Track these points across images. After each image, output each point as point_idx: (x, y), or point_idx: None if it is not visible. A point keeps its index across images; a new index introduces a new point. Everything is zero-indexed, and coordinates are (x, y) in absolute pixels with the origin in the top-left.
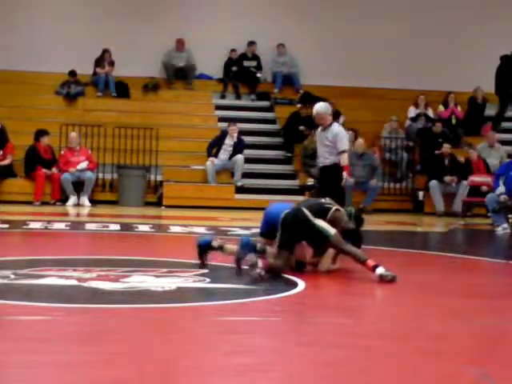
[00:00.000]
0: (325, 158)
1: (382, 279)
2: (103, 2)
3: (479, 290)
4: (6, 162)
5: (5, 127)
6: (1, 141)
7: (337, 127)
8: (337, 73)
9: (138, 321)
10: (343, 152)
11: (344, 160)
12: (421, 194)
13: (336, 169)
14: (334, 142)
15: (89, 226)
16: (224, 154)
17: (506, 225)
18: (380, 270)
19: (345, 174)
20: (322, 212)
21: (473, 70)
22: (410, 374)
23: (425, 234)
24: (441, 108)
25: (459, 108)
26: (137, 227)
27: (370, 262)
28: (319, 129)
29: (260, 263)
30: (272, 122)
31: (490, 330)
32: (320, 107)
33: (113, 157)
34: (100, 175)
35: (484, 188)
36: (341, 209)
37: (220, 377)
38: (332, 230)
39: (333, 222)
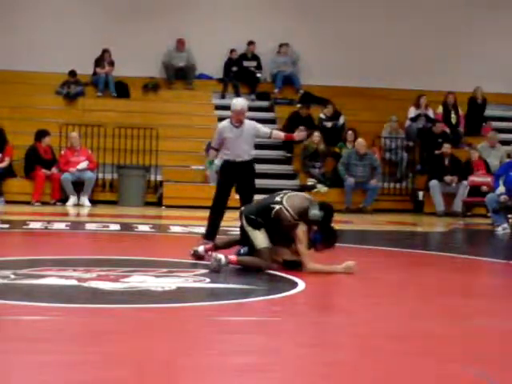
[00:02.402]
0: (247, 154)
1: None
2: (103, 1)
3: (479, 290)
4: (4, 164)
5: (4, 129)
6: (0, 142)
7: (248, 120)
8: (337, 73)
9: (138, 321)
10: (272, 131)
11: (280, 133)
12: (421, 194)
13: (253, 163)
14: (256, 134)
15: (89, 226)
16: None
17: (506, 225)
18: (220, 257)
19: (298, 134)
20: (265, 211)
21: (473, 70)
22: (409, 374)
23: (425, 234)
24: (439, 109)
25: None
26: (137, 227)
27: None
28: (229, 125)
29: (223, 259)
30: (272, 122)
31: (490, 330)
32: (245, 103)
33: (113, 157)
34: (100, 175)
35: (484, 188)
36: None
37: (220, 377)
38: (261, 244)
39: (278, 220)
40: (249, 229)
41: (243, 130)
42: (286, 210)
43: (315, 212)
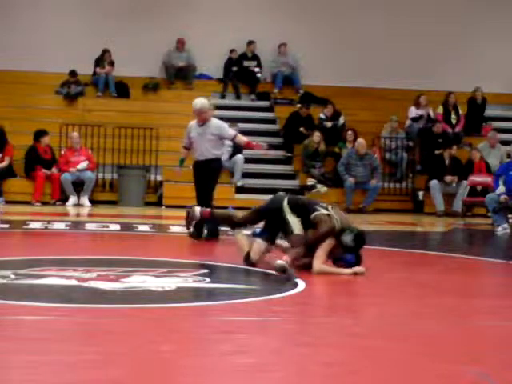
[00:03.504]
0: (209, 153)
1: (276, 270)
2: (103, 2)
3: (479, 290)
4: (4, 164)
5: (4, 129)
6: (0, 142)
7: (216, 120)
8: (337, 73)
9: (138, 321)
10: (236, 134)
11: (243, 138)
12: (421, 194)
13: (218, 161)
14: (219, 134)
15: (89, 226)
16: (224, 154)
17: (506, 225)
18: (281, 263)
19: (257, 144)
20: (306, 210)
21: (473, 70)
22: (409, 373)
23: (425, 234)
24: (440, 109)
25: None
26: (137, 227)
27: (287, 258)
28: (194, 124)
29: (197, 211)
30: (272, 121)
31: (490, 330)
32: (204, 102)
33: (113, 157)
34: (100, 175)
35: (479, 188)
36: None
37: (220, 377)
38: (298, 230)
39: (314, 224)
40: (289, 213)
41: (206, 129)
42: (336, 219)
43: (348, 241)
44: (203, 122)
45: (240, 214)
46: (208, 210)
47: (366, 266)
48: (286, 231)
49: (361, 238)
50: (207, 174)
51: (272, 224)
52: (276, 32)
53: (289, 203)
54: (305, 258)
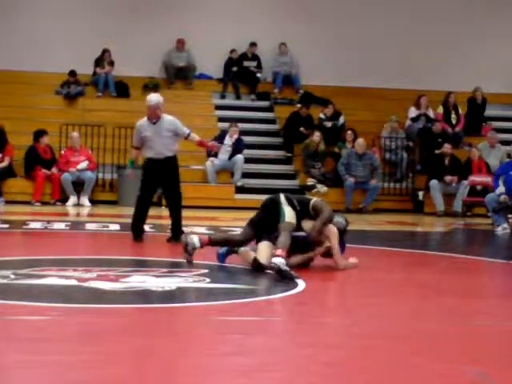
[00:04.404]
0: (167, 150)
1: (272, 269)
2: (103, 1)
3: (479, 289)
4: (4, 164)
5: (4, 129)
6: (0, 142)
7: (168, 116)
8: (337, 73)
9: (138, 321)
10: (190, 132)
11: (196, 137)
12: (421, 193)
13: (176, 158)
14: (174, 129)
15: (89, 226)
16: (224, 153)
17: (505, 225)
18: (276, 260)
19: (211, 143)
20: (302, 203)
21: (473, 70)
22: (409, 373)
23: (425, 234)
24: (440, 109)
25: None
26: None
27: (278, 251)
28: (146, 123)
29: (195, 241)
30: (272, 121)
31: (490, 330)
32: (160, 98)
33: (113, 157)
34: (100, 175)
35: (479, 187)
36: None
37: (220, 377)
38: (289, 217)
39: (315, 212)
40: (285, 204)
41: (160, 126)
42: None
43: (342, 222)
44: (157, 118)
45: (236, 234)
46: (206, 237)
47: (366, 266)
48: (278, 222)
49: (346, 221)
50: (169, 172)
51: (269, 224)
52: (276, 32)
53: (285, 196)
54: (293, 256)
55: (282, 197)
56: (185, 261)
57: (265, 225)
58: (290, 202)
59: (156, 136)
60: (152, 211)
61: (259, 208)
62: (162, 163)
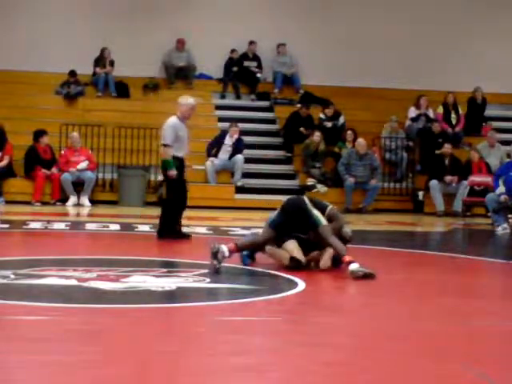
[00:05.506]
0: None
1: (352, 275)
2: (103, 2)
3: (479, 289)
4: (4, 163)
5: (4, 128)
6: (0, 141)
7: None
8: (337, 73)
9: (138, 321)
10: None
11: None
12: (421, 194)
13: None
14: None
15: (89, 226)
16: (224, 153)
17: (505, 225)
18: (352, 267)
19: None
20: (321, 208)
21: (473, 70)
22: (409, 373)
23: (425, 234)
24: (439, 109)
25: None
26: (137, 227)
27: (347, 258)
28: (178, 122)
29: (225, 249)
30: (272, 122)
31: (490, 330)
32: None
33: (113, 157)
34: (100, 175)
35: (478, 188)
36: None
37: (220, 377)
38: (324, 221)
39: (330, 219)
40: (312, 208)
41: (185, 126)
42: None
43: (349, 232)
44: (187, 119)
45: (258, 237)
46: (233, 245)
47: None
48: (309, 225)
49: (351, 233)
50: (184, 171)
51: (295, 226)
52: (276, 32)
53: (309, 199)
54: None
55: (307, 200)
56: (212, 269)
57: (290, 227)
58: (315, 205)
59: (186, 136)
60: (152, 211)
61: (281, 210)
62: (183, 162)
